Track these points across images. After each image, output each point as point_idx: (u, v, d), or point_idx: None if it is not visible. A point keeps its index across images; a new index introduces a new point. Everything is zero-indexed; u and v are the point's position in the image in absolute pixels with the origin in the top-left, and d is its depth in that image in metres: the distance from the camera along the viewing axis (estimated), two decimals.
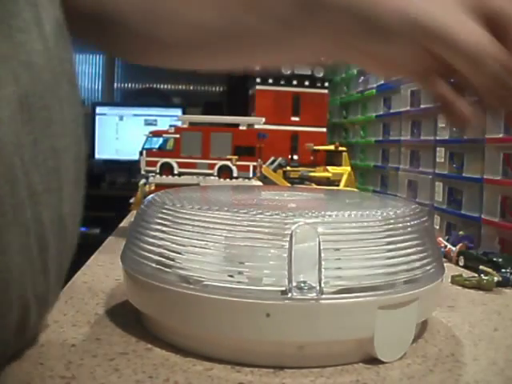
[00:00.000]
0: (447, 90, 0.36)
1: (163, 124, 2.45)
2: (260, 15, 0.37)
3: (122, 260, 0.38)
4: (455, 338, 0.37)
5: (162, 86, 3.50)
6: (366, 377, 0.30)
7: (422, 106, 0.95)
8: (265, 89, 1.59)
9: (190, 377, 0.30)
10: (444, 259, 0.61)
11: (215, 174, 1.28)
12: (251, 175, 1.28)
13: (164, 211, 0.35)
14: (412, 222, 0.35)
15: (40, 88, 0.27)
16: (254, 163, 1.29)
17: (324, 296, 0.30)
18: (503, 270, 0.54)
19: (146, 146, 1.35)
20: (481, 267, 0.55)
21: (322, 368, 0.31)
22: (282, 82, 1.58)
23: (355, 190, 1.05)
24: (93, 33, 0.41)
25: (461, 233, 0.71)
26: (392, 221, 0.34)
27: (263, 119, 1.40)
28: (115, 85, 3.59)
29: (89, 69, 3.59)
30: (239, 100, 2.29)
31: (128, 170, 3.04)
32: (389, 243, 0.33)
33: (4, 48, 0.25)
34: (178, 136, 1.33)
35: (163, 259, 0.33)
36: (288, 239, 0.30)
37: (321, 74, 1.58)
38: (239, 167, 1.30)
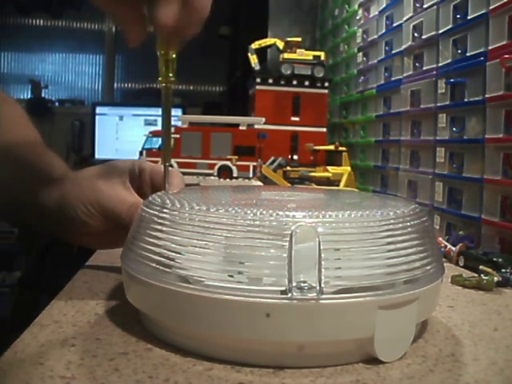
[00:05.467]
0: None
1: None
2: None
3: (122, 260, 0.38)
4: (455, 337, 0.37)
5: None
6: (366, 377, 0.30)
7: (421, 106, 0.95)
8: (265, 89, 1.59)
9: (190, 377, 0.30)
10: (444, 259, 0.61)
11: (215, 173, 1.28)
12: (251, 175, 1.28)
13: (164, 211, 0.35)
14: (412, 222, 0.35)
15: None
16: (254, 163, 1.29)
17: (324, 296, 0.30)
18: (503, 270, 0.54)
19: (146, 146, 1.35)
20: (481, 267, 0.55)
21: (322, 368, 0.31)
22: (282, 82, 1.59)
23: (355, 189, 1.05)
24: None
25: (461, 233, 0.71)
26: (392, 221, 0.34)
27: (263, 119, 1.40)
28: (115, 85, 3.59)
29: (89, 69, 3.59)
30: (239, 100, 2.29)
31: None
32: (389, 243, 0.33)
33: None
34: (177, 136, 1.33)
35: (163, 259, 0.33)
36: (288, 239, 0.30)
37: (321, 74, 1.58)
38: (239, 167, 1.30)
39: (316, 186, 1.05)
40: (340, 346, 0.31)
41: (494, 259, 0.57)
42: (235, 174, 1.25)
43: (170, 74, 0.43)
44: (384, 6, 1.18)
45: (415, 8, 1.00)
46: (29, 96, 3.11)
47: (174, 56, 0.43)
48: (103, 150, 2.95)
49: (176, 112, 2.53)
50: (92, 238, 0.52)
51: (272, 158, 1.27)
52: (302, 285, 0.30)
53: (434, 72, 0.90)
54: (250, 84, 1.69)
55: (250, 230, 0.31)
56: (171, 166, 0.48)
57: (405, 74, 1.04)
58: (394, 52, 1.11)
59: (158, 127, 2.50)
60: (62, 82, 3.56)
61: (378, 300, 0.31)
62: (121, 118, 2.85)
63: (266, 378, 0.30)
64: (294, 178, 1.19)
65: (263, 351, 0.31)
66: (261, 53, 1.71)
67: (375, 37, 1.24)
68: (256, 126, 1.37)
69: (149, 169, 0.51)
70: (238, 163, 1.25)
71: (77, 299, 0.43)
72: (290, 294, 0.30)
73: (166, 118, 0.46)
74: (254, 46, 1.67)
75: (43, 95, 3.17)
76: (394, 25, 1.11)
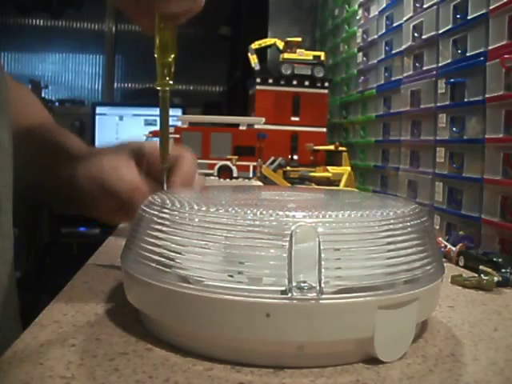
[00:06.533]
0: None
1: None
2: None
3: (121, 260, 0.38)
4: (455, 337, 0.37)
5: None
6: (366, 377, 0.30)
7: (421, 106, 0.95)
8: (265, 89, 1.59)
9: (190, 377, 0.30)
10: (444, 259, 0.61)
11: (215, 173, 1.28)
12: (251, 175, 1.27)
13: (164, 211, 0.35)
14: (412, 222, 0.35)
15: None
16: (254, 163, 1.29)
17: (324, 296, 0.30)
18: (503, 270, 0.54)
19: None
20: (481, 267, 0.55)
21: (322, 368, 0.31)
22: (282, 82, 1.59)
23: (355, 190, 1.05)
24: None
25: (461, 233, 0.71)
26: (392, 221, 0.34)
27: (263, 119, 1.40)
28: (115, 85, 3.59)
29: (89, 69, 3.59)
30: (239, 100, 2.29)
31: None
32: (389, 243, 0.33)
33: None
34: (177, 136, 1.33)
35: (163, 259, 0.33)
36: (288, 239, 0.30)
37: (321, 74, 1.58)
38: (239, 167, 1.30)
39: (316, 186, 1.05)
40: (340, 345, 0.31)
41: (494, 259, 0.57)
42: (235, 174, 1.25)
43: (167, 78, 0.43)
44: (384, 5, 1.18)
45: (415, 8, 1.00)
46: None
47: (170, 59, 0.43)
48: None
49: (176, 112, 2.53)
50: (106, 214, 0.53)
51: (272, 158, 1.26)
52: (302, 285, 0.30)
53: (434, 72, 0.90)
54: (250, 84, 1.69)
55: (250, 229, 0.31)
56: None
57: (405, 74, 1.04)
58: (394, 52, 1.11)
59: (158, 127, 2.49)
60: (62, 82, 3.56)
61: (378, 300, 0.31)
62: (121, 117, 2.85)
63: (266, 378, 0.30)
64: (294, 178, 1.19)
65: (263, 351, 0.31)
66: (261, 53, 1.71)
67: (375, 37, 1.24)
68: (256, 126, 1.37)
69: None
70: (238, 163, 1.25)
71: (77, 299, 0.42)
72: (290, 294, 0.30)
73: (164, 121, 0.46)
74: (254, 46, 1.67)
75: (43, 95, 3.17)
76: (394, 25, 1.11)
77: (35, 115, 0.58)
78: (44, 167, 0.53)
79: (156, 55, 0.43)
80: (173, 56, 0.43)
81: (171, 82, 0.44)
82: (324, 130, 1.60)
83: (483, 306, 0.46)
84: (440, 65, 0.88)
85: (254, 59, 1.65)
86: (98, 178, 0.49)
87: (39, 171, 0.52)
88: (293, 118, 1.60)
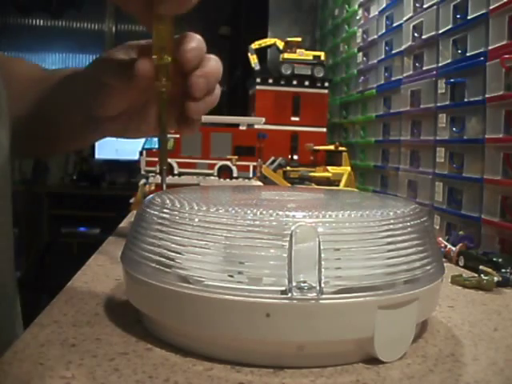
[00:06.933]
0: None
1: None
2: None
3: (122, 260, 0.38)
4: (455, 338, 0.37)
5: None
6: (366, 377, 0.30)
7: (421, 106, 0.95)
8: (265, 89, 1.58)
9: (190, 377, 0.30)
10: (444, 259, 0.61)
11: (215, 173, 1.28)
12: (251, 175, 1.27)
13: (164, 211, 0.35)
14: (412, 222, 0.35)
15: None
16: (254, 163, 1.29)
17: (324, 296, 0.30)
18: (503, 270, 0.54)
19: (146, 146, 1.35)
20: (481, 267, 0.55)
21: (322, 368, 0.31)
22: (282, 82, 1.58)
23: (355, 190, 1.05)
24: None
25: (461, 233, 0.71)
26: (392, 221, 0.34)
27: (263, 119, 1.40)
28: None
29: None
30: (239, 100, 2.29)
31: (128, 170, 3.03)
32: (389, 243, 0.33)
33: None
34: (177, 136, 1.33)
35: (163, 259, 0.33)
36: (288, 239, 0.30)
37: (321, 74, 1.58)
38: (239, 167, 1.30)
39: (316, 186, 1.05)
40: (340, 346, 0.32)
41: (494, 259, 0.57)
42: (235, 174, 1.24)
43: (165, 79, 0.43)
44: (384, 5, 1.18)
45: (415, 8, 1.00)
46: None
47: (168, 60, 0.43)
48: (103, 150, 2.95)
49: None
50: (120, 124, 0.51)
51: (272, 158, 1.26)
52: (302, 285, 0.30)
53: (434, 72, 0.90)
54: (250, 84, 1.69)
55: (250, 229, 0.32)
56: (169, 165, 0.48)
57: (405, 74, 1.04)
58: (394, 52, 1.11)
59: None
60: None
61: (377, 300, 0.31)
62: None
63: (266, 378, 0.30)
64: (293, 178, 1.19)
65: (263, 351, 0.31)
66: (261, 53, 1.71)
67: (375, 37, 1.24)
68: (256, 126, 1.37)
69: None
70: (238, 163, 1.25)
71: (77, 299, 0.43)
72: (290, 294, 0.30)
73: (162, 122, 0.46)
74: (254, 46, 1.67)
75: None
76: (394, 25, 1.11)
77: (39, 70, 0.59)
78: (48, 96, 0.52)
79: (153, 56, 0.43)
80: (170, 57, 0.43)
81: (168, 83, 0.44)
82: (324, 130, 1.60)
83: (483, 306, 0.46)
84: (440, 65, 0.88)
85: (253, 59, 1.65)
86: (108, 58, 0.48)
87: (43, 106, 0.52)
88: (293, 118, 1.60)
